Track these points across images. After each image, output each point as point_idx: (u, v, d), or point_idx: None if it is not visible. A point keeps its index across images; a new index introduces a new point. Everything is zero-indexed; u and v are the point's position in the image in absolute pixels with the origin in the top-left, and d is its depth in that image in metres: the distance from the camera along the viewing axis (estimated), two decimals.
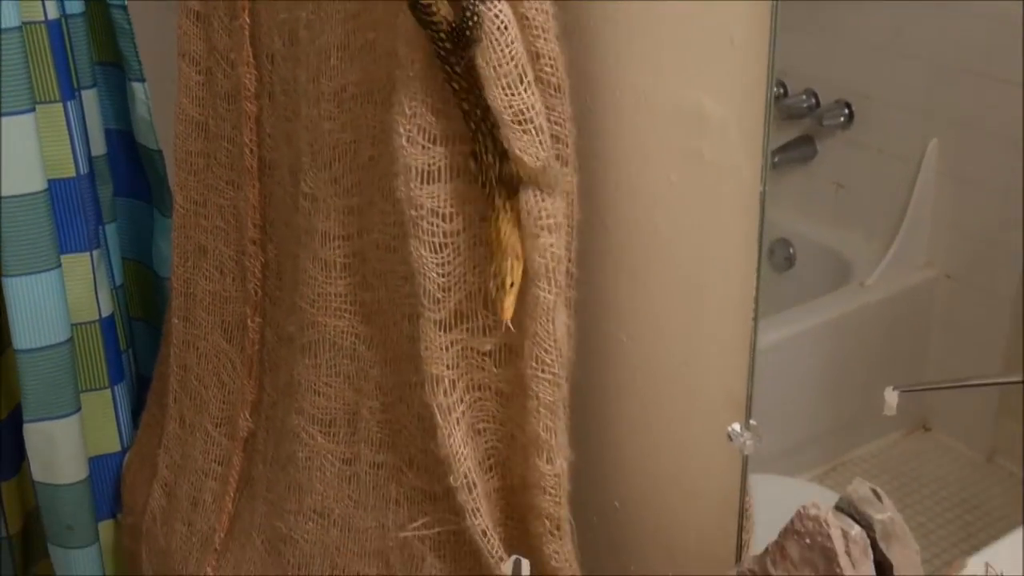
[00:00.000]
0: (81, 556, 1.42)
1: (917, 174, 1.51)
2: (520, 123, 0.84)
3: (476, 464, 0.99)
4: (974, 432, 1.46)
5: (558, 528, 0.96)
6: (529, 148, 0.85)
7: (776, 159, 1.59)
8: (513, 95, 0.83)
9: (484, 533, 0.98)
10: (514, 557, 0.84)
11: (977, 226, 1.46)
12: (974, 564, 1.08)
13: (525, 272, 0.88)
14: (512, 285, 0.87)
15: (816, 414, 1.47)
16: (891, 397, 1.08)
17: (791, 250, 1.66)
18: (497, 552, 0.98)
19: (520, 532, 1.00)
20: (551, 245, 0.88)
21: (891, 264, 1.53)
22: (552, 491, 0.95)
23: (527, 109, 0.84)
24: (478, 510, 0.98)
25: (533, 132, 0.85)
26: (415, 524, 1.06)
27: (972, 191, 1.48)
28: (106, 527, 1.46)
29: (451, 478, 0.97)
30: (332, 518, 1.13)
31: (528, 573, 0.82)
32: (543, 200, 0.87)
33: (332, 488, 1.12)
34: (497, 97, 0.83)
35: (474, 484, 0.98)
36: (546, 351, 0.91)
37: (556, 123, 0.90)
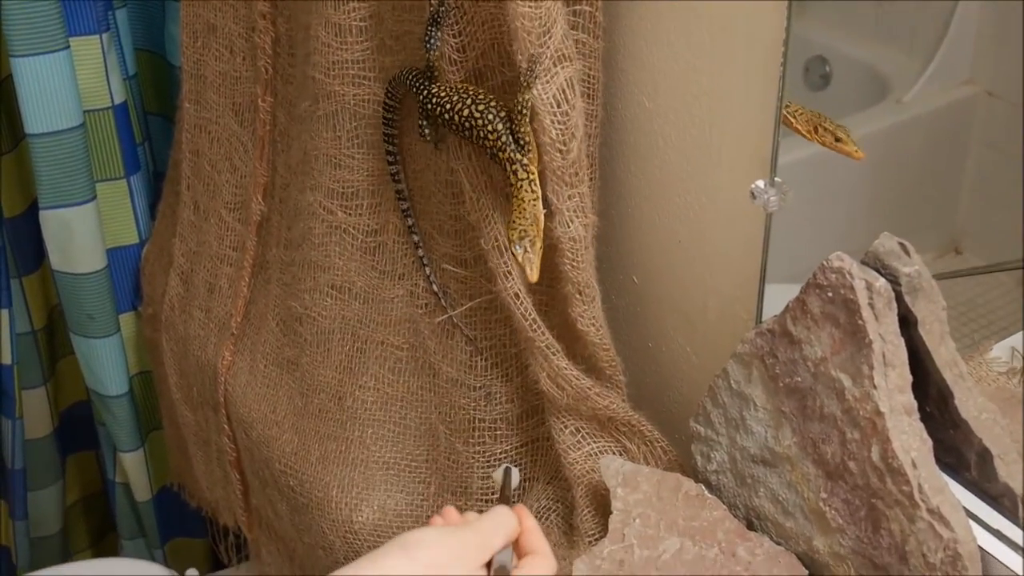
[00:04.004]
0: (103, 345, 1.43)
1: None
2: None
3: (506, 227, 0.96)
4: (1006, 256, 1.41)
5: (580, 292, 0.94)
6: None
7: None
8: None
9: (516, 296, 0.95)
10: (504, 465, 0.81)
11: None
12: (1000, 348, 1.05)
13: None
14: (540, 247, 0.86)
15: (848, 231, 1.42)
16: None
17: (827, 68, 1.58)
18: (529, 314, 0.96)
19: (551, 297, 0.97)
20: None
21: (930, 80, 1.45)
22: (570, 254, 0.92)
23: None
24: (509, 274, 0.95)
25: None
26: (454, 312, 1.03)
27: (1019, 4, 1.39)
28: (127, 319, 1.46)
29: (482, 241, 0.94)
30: (353, 291, 1.11)
31: (518, 482, 0.80)
32: None
33: (354, 261, 1.10)
34: None
35: (505, 247, 0.95)
36: (550, 116, 0.87)
37: None
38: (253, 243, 1.24)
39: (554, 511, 1.04)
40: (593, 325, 0.95)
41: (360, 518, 1.13)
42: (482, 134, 0.88)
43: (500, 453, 1.06)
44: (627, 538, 0.87)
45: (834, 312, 0.79)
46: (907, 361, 0.78)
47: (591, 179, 0.97)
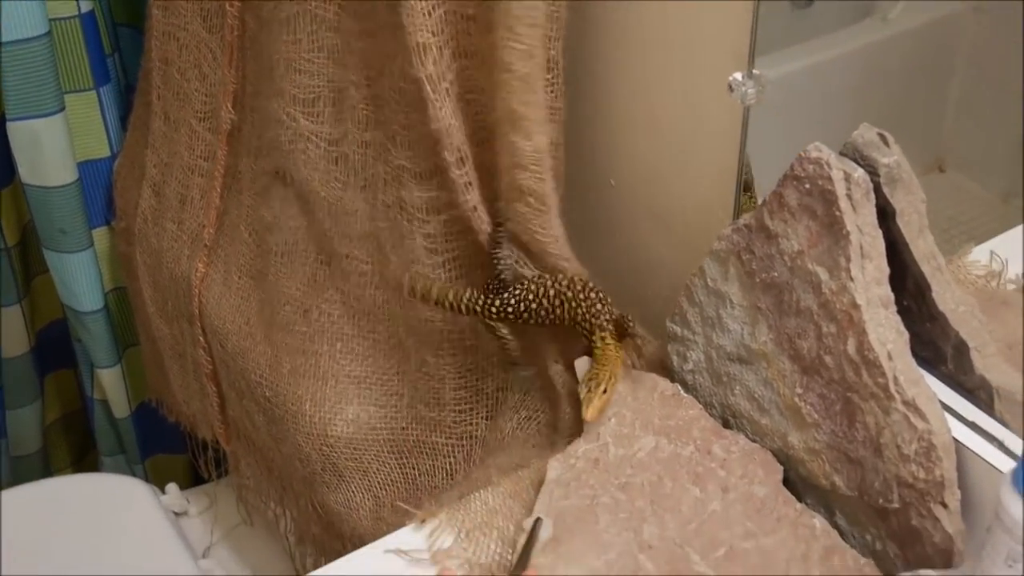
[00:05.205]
0: (76, 260, 1.40)
1: None
2: None
3: (467, 137, 0.93)
4: (990, 173, 1.39)
5: (544, 204, 0.92)
6: None
7: None
8: None
9: (475, 208, 0.94)
10: (535, 516, 0.80)
11: None
12: (979, 251, 1.04)
13: None
14: (604, 392, 0.85)
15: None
16: None
17: None
18: (486, 227, 0.94)
19: (512, 211, 0.96)
20: None
21: None
22: (533, 167, 0.90)
23: None
24: (470, 184, 0.93)
25: None
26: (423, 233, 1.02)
27: None
28: (100, 234, 1.44)
29: (444, 153, 0.92)
30: (317, 202, 1.09)
31: (548, 535, 0.79)
32: None
33: (318, 171, 1.08)
34: None
35: (466, 157, 0.93)
36: (517, 19, 0.84)
37: None
38: (224, 152, 1.21)
39: (534, 420, 1.03)
40: (551, 237, 0.94)
41: (334, 432, 1.12)
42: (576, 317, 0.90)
43: (471, 363, 1.05)
44: (602, 437, 0.86)
45: (811, 204, 0.77)
46: (884, 253, 0.77)
47: (552, 85, 0.94)
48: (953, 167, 1.38)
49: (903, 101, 1.36)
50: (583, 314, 0.89)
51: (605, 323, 0.88)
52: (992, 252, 1.02)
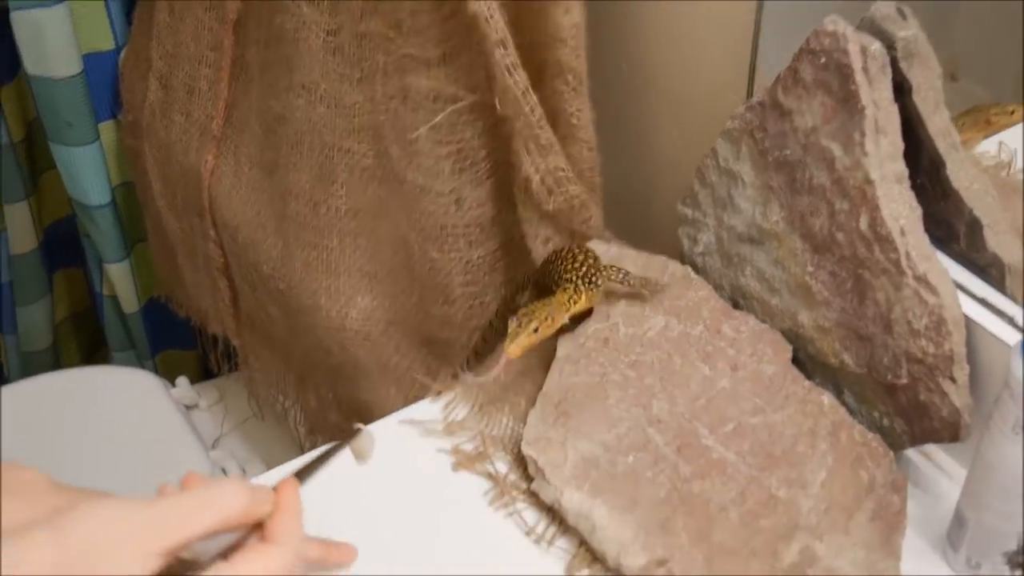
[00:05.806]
0: (83, 154, 1.40)
1: None
2: None
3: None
4: (1001, 80, 1.38)
5: (580, 83, 0.91)
6: None
7: None
8: None
9: (524, 92, 0.90)
10: (358, 428, 0.70)
11: None
12: (988, 143, 1.04)
13: None
14: (536, 331, 0.80)
15: None
16: None
17: None
18: (536, 112, 0.91)
19: (538, 91, 0.94)
20: None
21: None
22: (572, 42, 0.89)
23: None
24: (515, 66, 0.89)
25: None
26: (428, 124, 0.99)
27: None
28: (107, 128, 1.43)
29: (491, 32, 0.89)
30: (318, 94, 1.07)
31: (372, 445, 0.70)
32: None
33: (317, 62, 1.06)
34: None
35: (508, 40, 0.89)
36: None
37: None
38: (231, 42, 1.20)
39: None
40: (585, 121, 0.93)
41: (351, 325, 1.12)
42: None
43: (477, 259, 1.04)
44: (611, 317, 0.86)
45: (827, 79, 0.76)
46: (899, 128, 0.76)
47: None
48: (965, 76, 1.37)
49: (913, 8, 1.34)
50: (557, 277, 0.87)
51: (573, 277, 0.86)
52: (1001, 143, 1.01)
